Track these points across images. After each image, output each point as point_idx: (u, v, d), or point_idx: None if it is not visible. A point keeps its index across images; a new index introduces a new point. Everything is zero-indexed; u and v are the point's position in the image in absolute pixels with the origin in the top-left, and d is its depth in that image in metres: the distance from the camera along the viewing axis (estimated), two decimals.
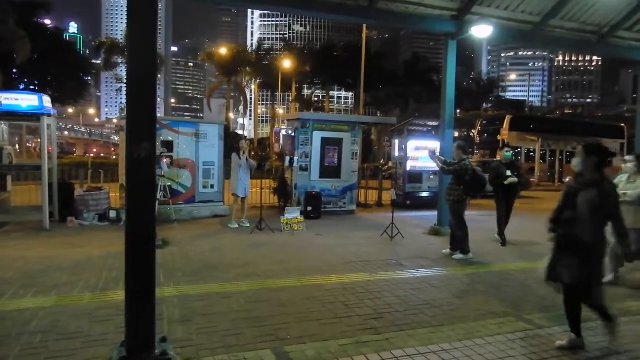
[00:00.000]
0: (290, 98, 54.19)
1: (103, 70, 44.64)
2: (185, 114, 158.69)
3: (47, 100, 8.43)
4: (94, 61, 46.60)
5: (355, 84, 39.47)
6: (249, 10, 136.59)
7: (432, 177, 12.72)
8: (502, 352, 3.63)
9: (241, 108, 60.21)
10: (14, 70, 30.76)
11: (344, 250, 7.23)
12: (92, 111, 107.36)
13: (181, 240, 7.53)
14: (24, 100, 8.13)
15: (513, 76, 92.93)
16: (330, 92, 57.34)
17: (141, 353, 3.07)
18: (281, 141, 12.95)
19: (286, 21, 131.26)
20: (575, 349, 3.66)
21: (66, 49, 35.67)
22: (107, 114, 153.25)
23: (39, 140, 8.47)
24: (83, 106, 79.24)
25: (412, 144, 12.99)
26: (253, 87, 54.72)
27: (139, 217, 3.10)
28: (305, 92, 55.68)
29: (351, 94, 68.16)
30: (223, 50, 47.33)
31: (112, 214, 9.18)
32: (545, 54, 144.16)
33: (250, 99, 60.65)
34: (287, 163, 10.72)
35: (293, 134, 11.16)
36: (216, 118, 45.93)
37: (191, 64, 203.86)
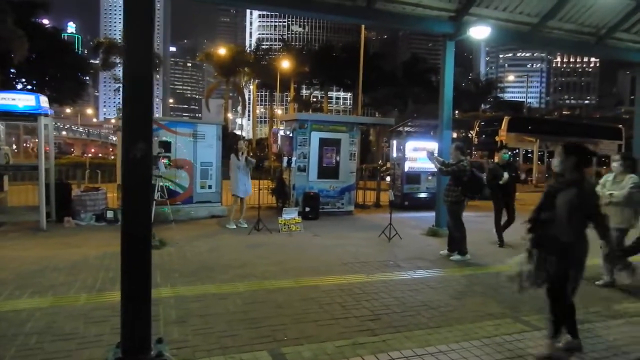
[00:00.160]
0: (289, 98, 54.22)
1: (101, 70, 44.63)
2: (184, 114, 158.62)
3: (44, 100, 8.40)
4: (92, 61, 46.52)
5: (354, 85, 39.44)
6: (248, 11, 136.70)
7: (430, 178, 12.72)
8: (499, 354, 3.62)
9: (239, 108, 60.18)
10: (12, 70, 30.68)
11: (341, 251, 7.22)
12: (90, 111, 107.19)
13: (178, 241, 7.51)
14: (21, 100, 8.10)
15: (511, 77, 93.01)
16: (329, 93, 57.40)
17: (137, 354, 3.05)
18: (279, 142, 12.93)
19: (285, 22, 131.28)
20: (572, 350, 3.65)
21: (64, 49, 35.58)
22: (105, 114, 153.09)
23: (37, 140, 8.44)
24: (81, 106, 79.16)
25: (410, 145, 12.99)
26: (251, 87, 54.74)
27: (135, 218, 3.09)
28: (304, 92, 55.62)
29: (349, 94, 68.25)
30: (221, 51, 47.28)
31: (109, 214, 9.15)
32: (544, 55, 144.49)
33: (249, 99, 60.68)
34: (285, 163, 10.73)
35: (291, 135, 11.15)
36: (214, 118, 45.87)
37: (189, 64, 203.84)
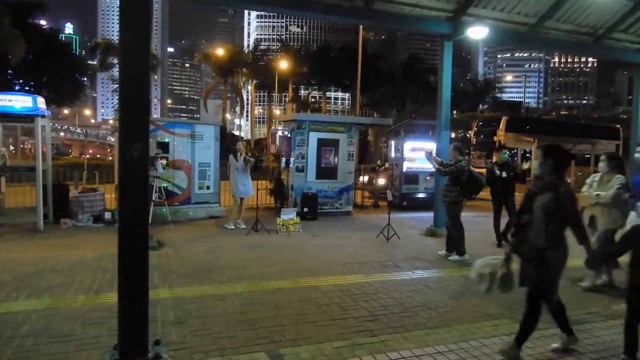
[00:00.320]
0: (287, 99, 54.19)
1: (99, 71, 44.44)
2: (182, 114, 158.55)
3: (41, 102, 8.38)
4: (89, 62, 46.43)
5: (352, 85, 39.42)
6: (246, 11, 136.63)
7: (428, 178, 12.71)
8: (498, 355, 3.61)
9: (238, 109, 60.17)
10: (9, 71, 30.60)
11: (340, 251, 7.21)
12: (88, 112, 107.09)
13: (176, 242, 7.49)
14: (18, 102, 8.07)
15: (509, 77, 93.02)
16: (327, 93, 57.42)
17: (134, 356, 3.04)
18: (277, 142, 12.93)
19: (283, 22, 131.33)
20: (569, 350, 3.64)
21: (62, 50, 35.54)
22: (103, 114, 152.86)
23: (34, 141, 8.42)
24: (79, 107, 79.06)
25: (408, 145, 12.98)
26: (250, 88, 54.66)
27: (132, 219, 3.08)
28: (302, 92, 55.65)
29: (348, 94, 68.32)
30: (219, 51, 47.27)
31: (107, 215, 9.13)
32: (541, 55, 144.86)
33: (247, 99, 60.63)
34: (283, 164, 10.70)
35: (289, 135, 11.13)
36: (213, 119, 45.79)
37: (188, 65, 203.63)
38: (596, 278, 5.51)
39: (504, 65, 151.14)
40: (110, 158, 38.70)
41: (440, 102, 9.32)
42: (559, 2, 9.16)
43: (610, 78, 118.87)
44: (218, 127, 10.80)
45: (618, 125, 29.29)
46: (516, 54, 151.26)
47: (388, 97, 48.04)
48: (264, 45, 65.52)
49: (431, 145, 11.12)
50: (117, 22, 3.08)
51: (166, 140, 9.72)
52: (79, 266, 5.88)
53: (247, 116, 69.99)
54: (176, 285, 5.20)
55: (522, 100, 73.64)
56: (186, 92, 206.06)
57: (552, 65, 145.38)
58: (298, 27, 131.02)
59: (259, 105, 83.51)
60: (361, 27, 26.90)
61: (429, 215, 9.66)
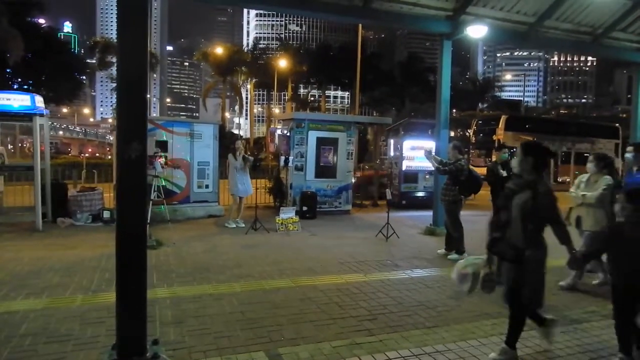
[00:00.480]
0: (286, 97, 54.15)
1: (98, 69, 44.44)
2: (181, 113, 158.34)
3: (39, 100, 8.36)
4: (88, 60, 46.38)
5: (351, 84, 39.44)
6: (245, 10, 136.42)
7: (427, 177, 12.71)
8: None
9: (237, 107, 60.12)
10: (8, 70, 30.54)
11: (339, 250, 7.21)
12: (87, 111, 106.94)
13: (175, 241, 7.48)
14: (16, 100, 8.06)
15: (508, 76, 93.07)
16: (327, 92, 57.40)
17: (132, 356, 3.03)
18: (276, 141, 12.91)
19: (282, 21, 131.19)
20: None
21: (60, 49, 35.46)
22: (102, 113, 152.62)
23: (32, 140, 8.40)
24: (78, 106, 78.98)
25: (407, 144, 12.98)
26: (249, 86, 54.62)
27: (130, 218, 3.06)
28: (302, 91, 55.61)
29: (347, 93, 68.27)
30: (219, 50, 47.23)
31: (106, 214, 9.11)
32: (541, 54, 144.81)
33: (246, 98, 60.51)
34: (282, 163, 10.69)
35: (288, 134, 11.12)
36: (212, 118, 45.86)
37: (187, 64, 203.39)
38: (577, 278, 5.46)
39: (504, 64, 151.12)
40: (110, 157, 38.66)
41: (440, 101, 9.32)
42: (558, 1, 9.15)
43: (609, 77, 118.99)
44: (217, 126, 10.79)
45: (617, 125, 29.31)
46: (515, 53, 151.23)
47: (387, 96, 48.08)
48: (263, 44, 65.40)
49: (430, 144, 11.11)
50: (116, 21, 3.07)
51: (165, 139, 9.70)
52: (77, 266, 5.87)
53: (246, 115, 69.95)
54: (175, 285, 5.19)
55: (522, 99, 73.65)
56: (185, 91, 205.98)
57: (551, 64, 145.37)
58: (297, 26, 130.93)
59: (258, 104, 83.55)
60: (360, 26, 26.84)
61: (428, 214, 9.66)
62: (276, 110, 58.10)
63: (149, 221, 6.36)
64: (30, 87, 31.90)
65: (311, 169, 10.90)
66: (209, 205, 10.26)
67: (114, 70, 43.26)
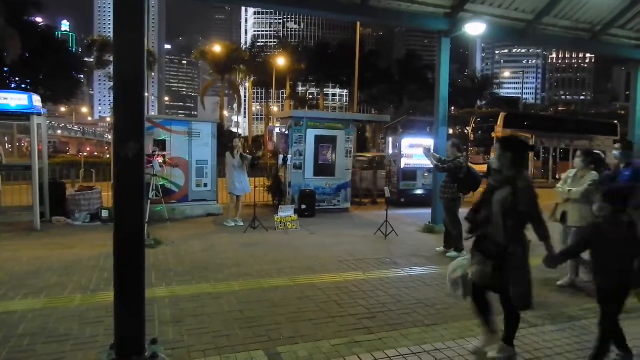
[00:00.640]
0: (285, 95, 54.10)
1: (95, 68, 44.36)
2: (180, 112, 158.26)
3: (36, 99, 8.33)
4: (86, 59, 46.32)
5: (350, 82, 39.41)
6: (243, 8, 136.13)
7: (426, 174, 12.71)
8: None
9: (235, 106, 60.06)
10: (5, 69, 30.46)
11: (337, 248, 7.20)
12: (85, 110, 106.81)
13: (174, 240, 7.47)
14: (13, 100, 8.03)
15: (507, 73, 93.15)
16: (325, 90, 57.33)
17: (131, 355, 3.03)
18: (275, 139, 12.88)
19: (280, 19, 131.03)
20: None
21: (58, 47, 35.39)
22: (100, 112, 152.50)
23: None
24: (76, 105, 78.83)
25: (406, 142, 12.97)
26: (247, 84, 54.57)
27: (128, 218, 3.06)
28: (300, 89, 55.63)
29: (346, 91, 68.23)
30: (217, 48, 47.16)
31: (104, 213, 9.10)
32: (539, 51, 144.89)
33: (245, 96, 60.46)
34: (280, 161, 10.68)
35: (287, 132, 11.11)
36: (210, 116, 45.71)
37: (185, 62, 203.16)
38: (573, 276, 5.44)
39: (502, 61, 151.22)
40: (108, 156, 38.59)
41: (438, 99, 9.31)
42: None
43: (608, 74, 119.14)
44: (215, 124, 10.76)
45: (616, 121, 29.32)
46: (514, 50, 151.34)
47: (386, 94, 48.09)
48: (262, 42, 65.40)
49: (429, 142, 11.11)
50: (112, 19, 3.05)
51: (163, 138, 9.68)
52: (76, 265, 5.86)
53: (244, 113, 69.92)
54: (173, 284, 5.19)
55: (520, 96, 73.67)
56: (184, 90, 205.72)
57: (550, 61, 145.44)
58: (295, 23, 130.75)
59: (257, 102, 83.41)
60: (359, 23, 26.81)
61: (427, 211, 9.66)
62: (275, 109, 58.00)
63: (147, 220, 6.34)
64: (28, 86, 31.82)
65: (310, 167, 10.89)
66: (207, 204, 10.25)
67: (111, 69, 43.29)
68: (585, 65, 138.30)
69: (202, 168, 10.13)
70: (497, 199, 3.27)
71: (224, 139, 17.91)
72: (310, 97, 56.46)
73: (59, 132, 62.54)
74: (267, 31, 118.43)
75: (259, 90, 66.62)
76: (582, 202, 5.18)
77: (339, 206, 11.27)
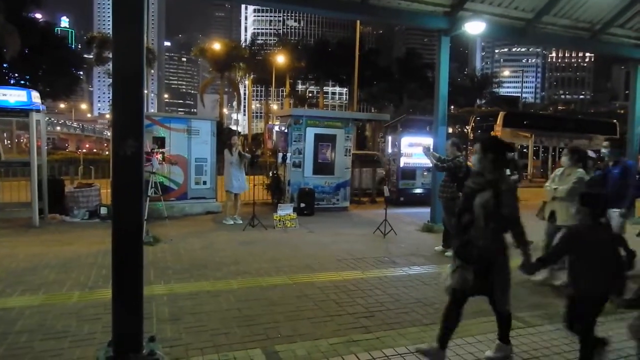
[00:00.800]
0: (285, 93, 54.04)
1: (95, 65, 44.32)
2: (179, 109, 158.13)
3: (35, 96, 8.31)
4: (85, 56, 46.21)
5: (349, 80, 39.38)
6: (243, 5, 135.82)
7: (425, 173, 12.70)
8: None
9: (235, 104, 59.99)
10: (5, 65, 30.39)
11: (336, 247, 7.20)
12: (84, 106, 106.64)
13: (172, 238, 7.46)
14: (12, 96, 8.02)
15: (507, 72, 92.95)
16: (325, 88, 57.26)
17: (128, 353, 3.03)
18: (274, 137, 12.87)
19: (280, 16, 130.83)
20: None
21: (57, 44, 35.34)
22: (99, 109, 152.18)
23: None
24: (75, 101, 78.69)
25: (405, 140, 12.96)
26: (247, 82, 54.47)
27: (126, 215, 3.05)
28: (300, 87, 55.52)
29: (345, 89, 68.14)
30: (216, 46, 47.06)
31: (103, 210, 9.09)
32: (539, 50, 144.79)
33: (244, 94, 60.37)
34: (280, 159, 10.67)
35: (286, 130, 11.09)
36: (210, 114, 45.69)
37: (184, 59, 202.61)
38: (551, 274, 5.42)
39: (502, 60, 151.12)
40: (107, 153, 38.58)
41: (438, 97, 9.30)
42: None
43: (607, 73, 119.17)
44: (215, 122, 10.75)
45: (615, 121, 29.32)
46: (514, 49, 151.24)
47: (385, 92, 48.03)
48: (261, 39, 65.19)
49: (428, 141, 11.10)
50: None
51: (162, 135, 9.66)
52: (74, 262, 5.86)
53: (244, 111, 69.88)
54: (171, 282, 5.18)
55: (520, 95, 73.62)
56: (183, 87, 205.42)
57: (549, 60, 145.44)
58: (295, 21, 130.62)
59: (256, 100, 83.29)
60: (358, 22, 26.78)
61: (426, 210, 9.66)
62: (274, 107, 57.95)
63: (146, 217, 6.34)
64: (27, 83, 31.75)
65: (309, 165, 10.88)
66: (206, 202, 10.24)
67: (111, 65, 43.18)
68: (585, 65, 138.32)
69: (201, 166, 10.12)
70: (479, 202, 3.19)
71: (224, 136, 17.91)
72: (310, 95, 56.35)
73: (58, 128, 62.42)
74: (267, 29, 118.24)
75: (259, 88, 66.61)
76: (568, 201, 5.14)
77: (338, 205, 11.26)
